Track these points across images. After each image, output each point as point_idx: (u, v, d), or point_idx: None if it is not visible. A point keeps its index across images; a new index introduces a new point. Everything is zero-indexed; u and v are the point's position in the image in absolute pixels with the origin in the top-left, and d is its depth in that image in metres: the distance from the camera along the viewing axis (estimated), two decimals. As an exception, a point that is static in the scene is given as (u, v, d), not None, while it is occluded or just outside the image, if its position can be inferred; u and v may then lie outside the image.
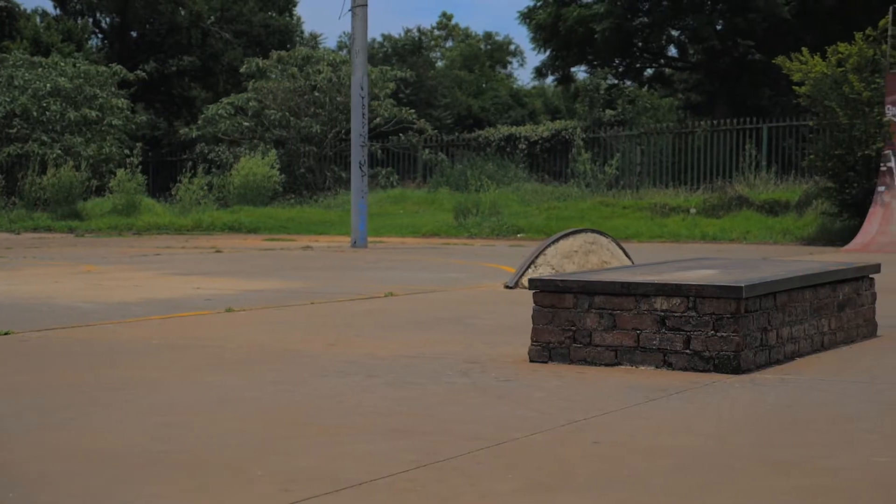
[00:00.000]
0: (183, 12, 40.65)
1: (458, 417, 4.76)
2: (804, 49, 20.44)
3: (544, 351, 6.28)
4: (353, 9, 18.08)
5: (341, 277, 12.20)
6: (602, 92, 31.97)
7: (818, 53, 20.36)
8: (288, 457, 4.05)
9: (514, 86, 52.50)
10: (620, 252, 12.13)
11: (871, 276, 7.53)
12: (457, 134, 33.04)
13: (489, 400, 5.17)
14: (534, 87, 51.56)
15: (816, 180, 22.41)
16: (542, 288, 6.32)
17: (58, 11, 41.59)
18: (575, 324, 6.20)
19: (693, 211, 23.06)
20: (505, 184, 27.32)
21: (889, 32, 20.14)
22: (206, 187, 26.86)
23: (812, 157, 20.92)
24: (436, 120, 38.73)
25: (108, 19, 42.99)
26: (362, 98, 18.38)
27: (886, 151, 19.78)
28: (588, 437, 4.40)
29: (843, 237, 19.87)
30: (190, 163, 29.37)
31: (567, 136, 29.34)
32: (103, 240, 21.12)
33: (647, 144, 28.44)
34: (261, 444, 4.25)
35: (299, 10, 51.14)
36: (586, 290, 6.19)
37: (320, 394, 5.29)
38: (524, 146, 29.78)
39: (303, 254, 16.66)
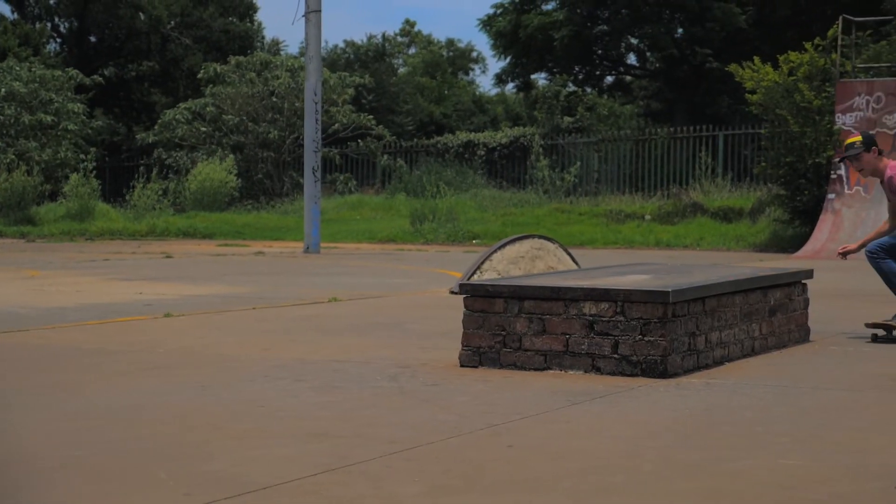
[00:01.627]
0: (142, 17, 40.41)
1: (378, 421, 4.76)
2: (755, 58, 20.57)
3: (475, 355, 6.28)
4: (306, 14, 18.04)
5: (288, 283, 12.17)
6: (562, 99, 32.01)
7: (769, 62, 20.50)
8: (197, 461, 4.04)
9: (477, 92, 52.54)
10: (567, 257, 12.15)
11: (803, 281, 7.58)
12: (416, 140, 33.04)
13: (413, 404, 5.17)
14: (497, 94, 51.64)
15: (770, 188, 22.54)
16: (473, 293, 6.33)
17: (15, 16, 41.23)
18: (505, 328, 6.22)
19: (648, 217, 23.15)
20: (463, 190, 27.32)
21: (839, 42, 20.31)
22: (161, 192, 26.69)
23: (764, 164, 21.03)
24: (398, 126, 38.66)
25: (66, 24, 42.65)
26: (316, 104, 18.35)
27: (837, 159, 19.90)
28: (503, 441, 4.41)
29: (794, 244, 19.99)
30: (145, 168, 29.22)
31: (525, 143, 29.39)
32: (54, 245, 20.97)
33: (605, 151, 28.54)
34: (172, 449, 4.23)
35: (260, 16, 51.18)
36: (516, 295, 6.20)
37: (243, 398, 5.27)
38: (483, 152, 29.80)
39: (254, 259, 16.60)
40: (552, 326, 6.12)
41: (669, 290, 5.93)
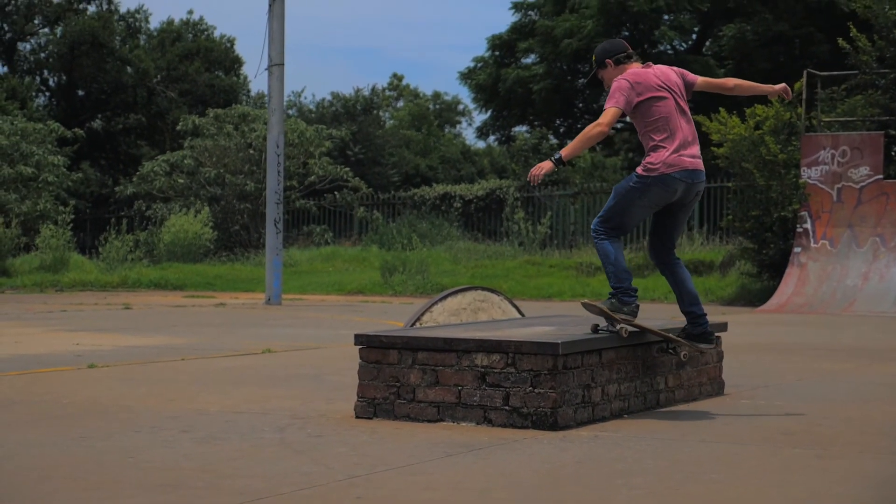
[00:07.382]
0: (129, 70, 40.75)
1: (239, 473, 4.75)
2: (721, 109, 20.68)
3: (369, 407, 6.29)
4: (269, 68, 18.19)
5: (232, 334, 12.16)
6: (543, 151, 32.13)
7: (734, 113, 20.60)
8: (34, 511, 4.04)
9: (466, 143, 52.86)
10: (512, 309, 12.12)
11: (716, 335, 7.57)
12: (392, 192, 33.17)
13: (286, 455, 5.17)
14: (485, 147, 51.97)
15: (740, 241, 22.57)
16: (368, 343, 6.34)
17: (5, 69, 41.63)
18: (399, 379, 6.22)
19: (617, 270, 23.11)
20: (439, 242, 27.40)
21: (804, 96, 20.43)
22: (133, 244, 26.73)
23: (730, 217, 21.11)
24: (383, 178, 38.83)
25: (55, 78, 42.99)
26: (278, 156, 18.44)
27: (802, 213, 19.99)
28: (355, 493, 4.40)
29: (762, 297, 19.99)
30: (126, 220, 29.36)
31: (501, 195, 29.52)
32: (22, 296, 20.96)
33: (582, 203, 28.62)
34: (17, 499, 4.23)
35: (246, 70, 50.86)
36: (410, 346, 6.22)
37: (118, 448, 5.26)
38: (459, 204, 29.93)
39: (212, 311, 16.60)
40: (445, 378, 6.12)
41: (559, 342, 5.94)
